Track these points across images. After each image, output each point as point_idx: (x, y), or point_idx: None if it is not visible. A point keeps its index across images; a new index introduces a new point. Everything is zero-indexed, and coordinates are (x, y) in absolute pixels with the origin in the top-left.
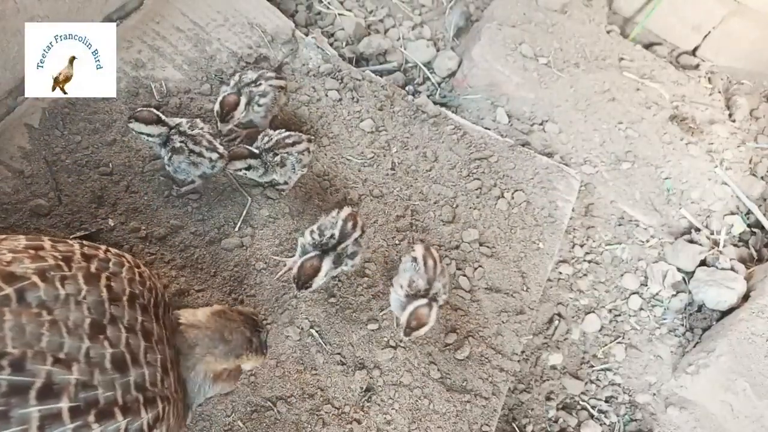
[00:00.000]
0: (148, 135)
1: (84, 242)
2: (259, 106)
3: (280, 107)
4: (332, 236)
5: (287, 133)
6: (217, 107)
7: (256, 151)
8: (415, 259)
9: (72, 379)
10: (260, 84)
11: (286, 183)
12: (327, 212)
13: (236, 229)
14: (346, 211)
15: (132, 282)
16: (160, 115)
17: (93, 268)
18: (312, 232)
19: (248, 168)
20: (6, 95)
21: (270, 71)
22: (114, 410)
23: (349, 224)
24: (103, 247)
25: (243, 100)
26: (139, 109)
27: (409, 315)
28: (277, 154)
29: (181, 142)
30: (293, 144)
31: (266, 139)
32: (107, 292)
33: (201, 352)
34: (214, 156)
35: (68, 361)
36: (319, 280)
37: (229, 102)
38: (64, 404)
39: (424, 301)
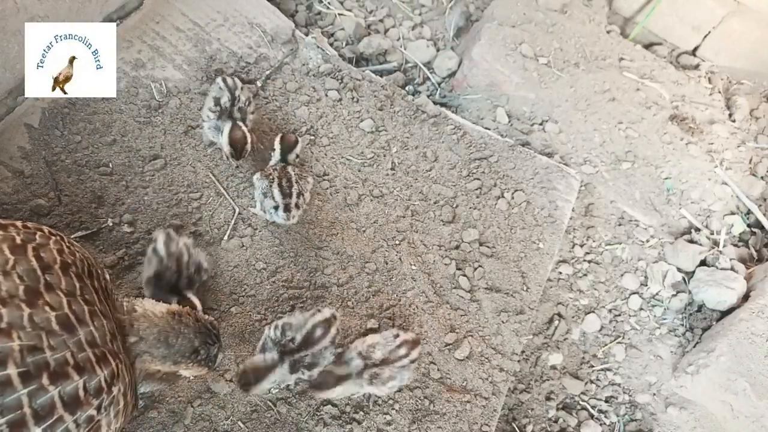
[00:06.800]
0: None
1: None
2: (252, 113)
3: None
4: (292, 340)
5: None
6: (227, 149)
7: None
8: (397, 336)
9: (15, 345)
10: (239, 97)
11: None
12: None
13: (225, 238)
14: (322, 315)
15: (61, 252)
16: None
17: (18, 239)
18: (276, 327)
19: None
20: (6, 95)
21: (225, 78)
22: (67, 370)
23: (318, 332)
24: (19, 222)
25: (245, 129)
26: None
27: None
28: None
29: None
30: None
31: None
32: (37, 261)
33: (143, 347)
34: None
35: (8, 330)
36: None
37: (238, 139)
38: (12, 370)
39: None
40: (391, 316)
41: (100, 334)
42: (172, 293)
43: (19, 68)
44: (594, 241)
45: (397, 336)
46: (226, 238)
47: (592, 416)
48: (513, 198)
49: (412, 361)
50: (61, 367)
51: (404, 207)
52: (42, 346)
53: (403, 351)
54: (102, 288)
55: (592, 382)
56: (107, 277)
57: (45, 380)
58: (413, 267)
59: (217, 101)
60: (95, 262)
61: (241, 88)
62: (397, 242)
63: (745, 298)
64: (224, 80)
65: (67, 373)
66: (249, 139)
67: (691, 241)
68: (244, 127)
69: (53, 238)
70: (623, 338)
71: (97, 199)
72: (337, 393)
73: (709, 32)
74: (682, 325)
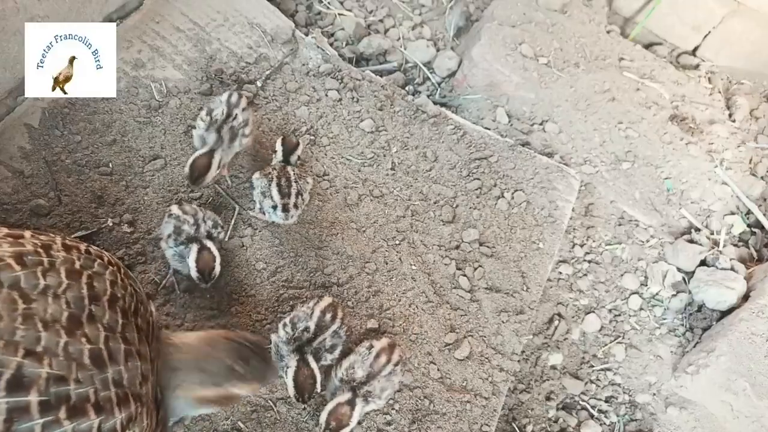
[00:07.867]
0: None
1: (66, 237)
2: (245, 136)
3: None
4: (306, 329)
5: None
6: (186, 169)
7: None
8: (371, 348)
9: (43, 372)
10: (236, 116)
11: None
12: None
13: (226, 238)
14: (325, 301)
15: (114, 284)
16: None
17: (77, 264)
18: (285, 325)
19: None
20: (6, 95)
21: (232, 94)
22: (86, 407)
23: (328, 316)
24: (84, 244)
25: (215, 159)
26: None
27: (328, 414)
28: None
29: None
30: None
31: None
32: (88, 289)
33: (181, 377)
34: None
35: (42, 355)
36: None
37: (200, 166)
38: (33, 398)
39: (347, 396)
40: (391, 316)
41: (129, 375)
42: (190, 243)
43: (19, 68)
44: (594, 241)
45: (371, 347)
46: (226, 238)
47: (592, 416)
48: (513, 198)
49: (396, 365)
50: (82, 402)
51: (404, 207)
52: (68, 378)
53: (383, 359)
54: (147, 326)
55: (592, 382)
56: (153, 312)
57: (62, 413)
58: (413, 267)
59: (212, 116)
60: (144, 298)
61: (243, 109)
62: (397, 242)
63: (745, 298)
64: (229, 96)
65: (85, 410)
66: (211, 173)
67: (691, 241)
68: (215, 159)
69: (110, 268)
70: (623, 338)
71: (97, 199)
72: (354, 422)
73: (709, 32)
74: (682, 325)
